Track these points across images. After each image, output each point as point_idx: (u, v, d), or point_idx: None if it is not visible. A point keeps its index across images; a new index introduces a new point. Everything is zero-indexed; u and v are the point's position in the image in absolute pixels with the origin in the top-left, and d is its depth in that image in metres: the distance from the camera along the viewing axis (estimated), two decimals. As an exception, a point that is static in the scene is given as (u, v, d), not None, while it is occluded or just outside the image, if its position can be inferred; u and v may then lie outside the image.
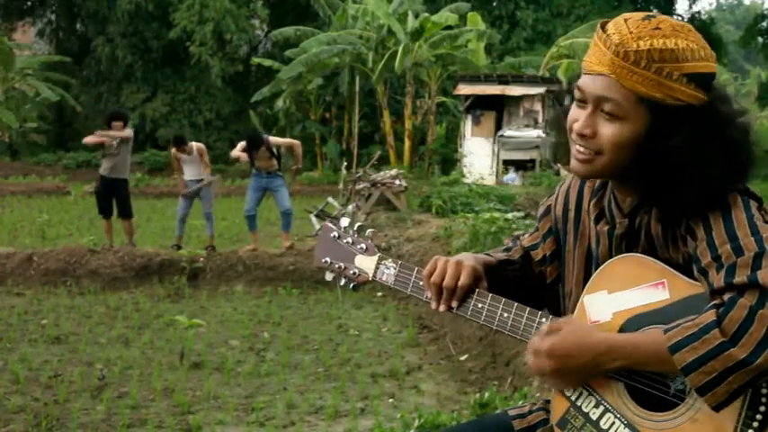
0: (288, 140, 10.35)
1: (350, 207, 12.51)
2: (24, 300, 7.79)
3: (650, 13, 1.45)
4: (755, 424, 1.32)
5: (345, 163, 17.26)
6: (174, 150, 9.92)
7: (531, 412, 1.73)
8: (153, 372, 5.35)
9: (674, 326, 1.33)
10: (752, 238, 1.32)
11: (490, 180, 18.13)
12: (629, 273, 1.48)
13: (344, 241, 1.82)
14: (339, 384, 5.14)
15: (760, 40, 29.06)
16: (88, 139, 9.80)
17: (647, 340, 1.37)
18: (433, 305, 1.66)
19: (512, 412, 1.76)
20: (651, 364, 1.37)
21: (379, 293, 8.19)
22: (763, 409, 1.32)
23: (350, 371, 5.50)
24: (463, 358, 5.66)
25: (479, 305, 1.62)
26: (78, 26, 31.90)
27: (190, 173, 9.85)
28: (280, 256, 8.97)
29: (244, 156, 9.63)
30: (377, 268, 1.77)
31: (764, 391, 1.33)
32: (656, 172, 1.44)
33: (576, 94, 1.49)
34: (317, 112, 25.67)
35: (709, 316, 1.28)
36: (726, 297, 1.29)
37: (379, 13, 20.87)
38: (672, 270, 1.44)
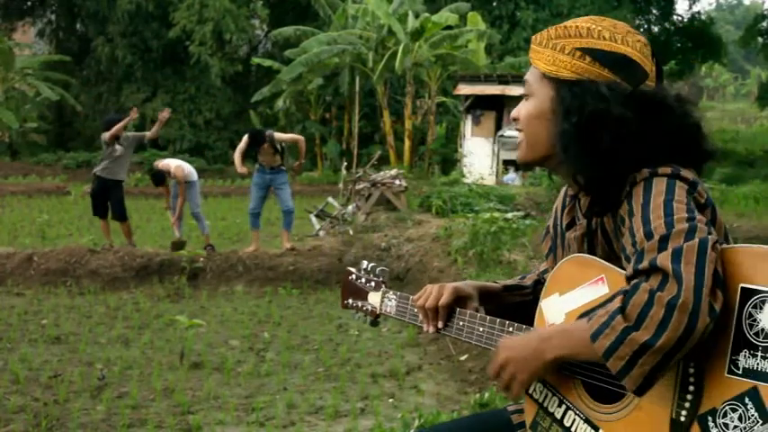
0: (292, 136, 10.16)
1: (350, 207, 12.51)
2: (24, 300, 7.79)
3: None
4: (687, 404, 1.34)
5: (345, 163, 17.25)
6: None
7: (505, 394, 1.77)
8: (153, 372, 5.35)
9: (594, 314, 1.36)
10: (662, 221, 1.34)
11: (490, 180, 18.14)
12: (574, 273, 1.54)
13: (360, 281, 2.02)
14: (339, 384, 5.14)
15: (760, 40, 29.07)
16: (107, 135, 9.53)
17: (576, 329, 1.41)
18: (424, 328, 1.78)
19: (510, 408, 1.80)
20: (584, 353, 1.39)
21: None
22: (692, 388, 1.34)
23: (350, 371, 5.50)
24: (463, 358, 5.66)
25: (460, 323, 1.74)
26: (78, 26, 31.90)
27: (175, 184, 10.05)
28: (280, 256, 8.97)
29: (243, 168, 9.55)
30: (382, 301, 1.96)
31: (691, 370, 1.35)
32: (564, 149, 1.51)
33: None
34: (317, 112, 25.67)
35: (616, 303, 1.32)
36: (632, 282, 1.32)
37: (380, 12, 20.86)
38: (609, 265, 1.49)
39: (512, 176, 18.76)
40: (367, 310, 1.99)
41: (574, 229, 1.64)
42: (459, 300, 1.74)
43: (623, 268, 1.44)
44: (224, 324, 6.96)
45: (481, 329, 1.68)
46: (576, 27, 1.52)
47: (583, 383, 1.52)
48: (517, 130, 1.63)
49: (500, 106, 20.20)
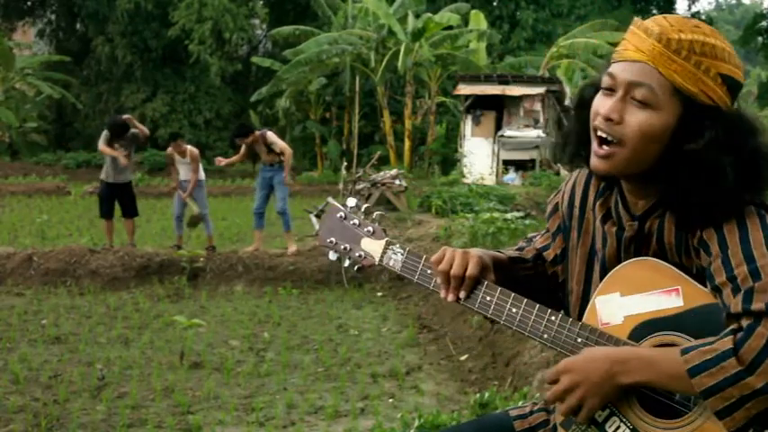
0: (282, 144, 9.56)
1: (350, 207, 12.50)
2: (24, 300, 7.79)
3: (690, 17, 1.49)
4: None
5: (345, 163, 17.25)
6: (169, 149, 9.89)
7: (532, 413, 1.72)
8: (153, 372, 5.36)
9: (691, 347, 1.32)
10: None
11: (490, 180, 18.11)
12: (643, 277, 1.46)
13: (351, 222, 1.79)
14: (339, 384, 5.14)
15: (760, 39, 29.08)
16: (104, 149, 9.58)
17: (664, 358, 1.36)
18: (442, 294, 1.63)
19: (513, 413, 1.75)
20: (668, 383, 1.35)
21: (379, 293, 8.19)
22: None
23: (350, 371, 5.50)
24: (463, 358, 5.67)
25: (488, 298, 1.60)
26: (78, 26, 31.88)
27: (184, 174, 9.83)
28: (280, 257, 8.97)
29: (238, 158, 9.82)
30: (384, 253, 1.73)
31: None
32: (676, 171, 1.42)
33: (606, 81, 1.45)
34: (317, 112, 25.66)
35: (727, 343, 1.28)
36: (743, 323, 1.28)
37: (380, 13, 20.86)
38: (686, 277, 1.42)
39: (512, 176, 18.75)
40: (359, 256, 1.77)
41: (612, 223, 1.57)
42: (482, 271, 1.63)
43: (702, 284, 1.41)
44: (224, 324, 6.96)
45: (514, 311, 1.56)
46: (722, 49, 1.41)
47: (635, 392, 1.45)
48: (606, 133, 1.43)
49: (500, 106, 20.18)
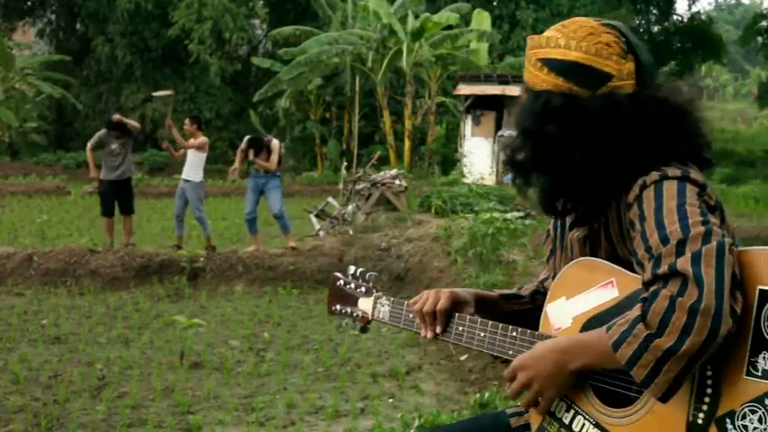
0: (273, 159, 9.58)
1: (350, 207, 12.51)
2: (24, 300, 7.79)
3: None
4: (704, 407, 1.34)
5: (345, 163, 17.26)
6: (192, 139, 10.09)
7: (528, 410, 1.75)
8: (153, 372, 5.36)
9: (614, 323, 1.36)
10: (677, 225, 1.33)
11: (490, 180, 18.12)
12: (581, 277, 1.53)
13: (348, 287, 1.99)
14: (339, 384, 5.14)
15: (759, 39, 29.06)
16: (89, 152, 9.95)
17: (595, 339, 1.41)
18: (422, 332, 1.76)
19: (509, 410, 1.79)
20: (604, 361, 1.40)
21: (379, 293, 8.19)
22: (709, 391, 1.34)
23: (350, 371, 5.51)
24: (463, 358, 5.66)
25: (460, 328, 1.71)
26: (78, 26, 31.90)
27: (185, 170, 9.93)
28: (280, 256, 8.97)
29: (234, 173, 10.00)
30: (374, 307, 1.92)
31: (709, 373, 1.35)
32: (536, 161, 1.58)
33: None
34: (317, 112, 25.67)
35: (636, 311, 1.32)
36: (651, 289, 1.31)
37: (381, 12, 20.87)
38: (618, 268, 1.48)
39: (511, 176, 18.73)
40: (357, 316, 1.95)
41: (576, 229, 1.63)
42: (456, 305, 1.73)
43: (632, 270, 1.44)
44: (224, 324, 6.96)
45: (482, 334, 1.66)
46: (540, 38, 1.54)
47: (593, 388, 1.50)
48: None
49: (500, 106, 20.19)
